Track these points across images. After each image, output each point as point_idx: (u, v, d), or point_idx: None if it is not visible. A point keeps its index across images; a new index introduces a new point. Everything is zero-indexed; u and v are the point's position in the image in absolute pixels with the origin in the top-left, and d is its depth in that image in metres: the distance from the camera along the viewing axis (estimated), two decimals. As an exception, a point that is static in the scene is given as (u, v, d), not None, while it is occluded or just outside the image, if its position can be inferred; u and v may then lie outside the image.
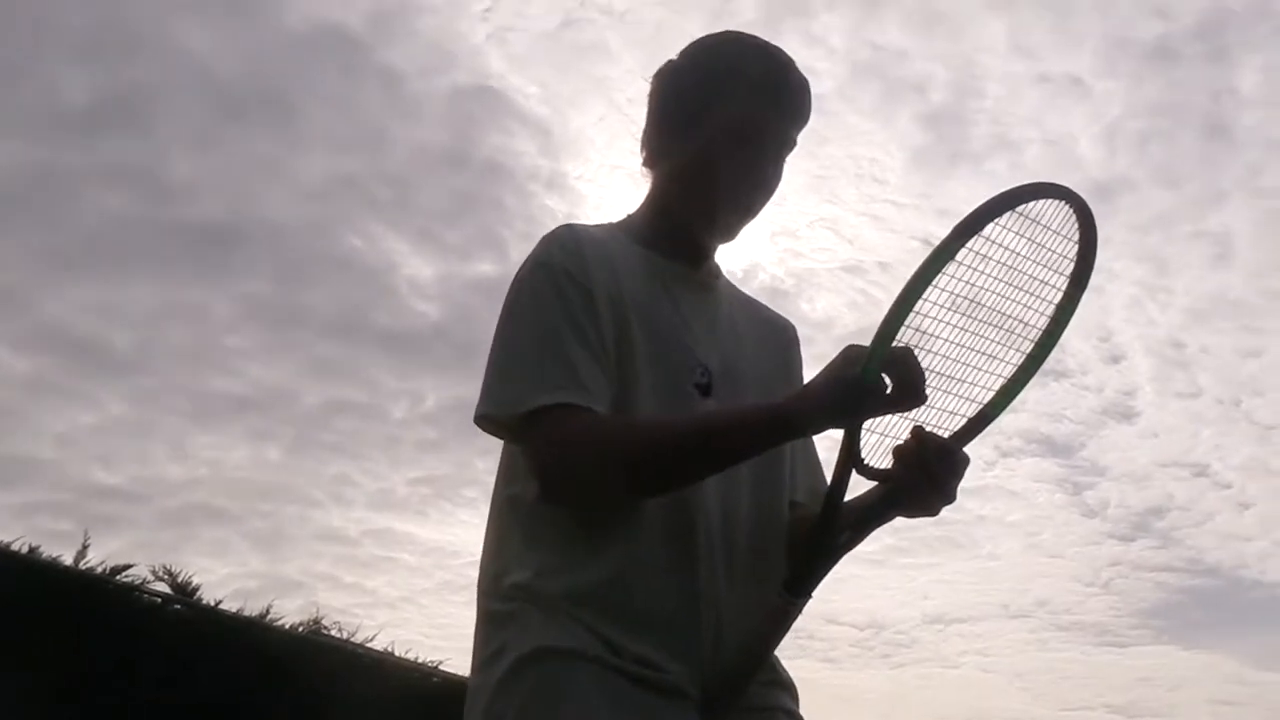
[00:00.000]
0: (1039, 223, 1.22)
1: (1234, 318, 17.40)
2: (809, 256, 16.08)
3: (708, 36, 1.44)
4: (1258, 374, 17.88)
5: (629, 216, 1.46)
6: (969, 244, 1.17)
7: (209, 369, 12.87)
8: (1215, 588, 17.18)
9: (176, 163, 11.92)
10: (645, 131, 1.45)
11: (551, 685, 1.18)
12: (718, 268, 1.48)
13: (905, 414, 1.22)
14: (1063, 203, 1.22)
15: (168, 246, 12.04)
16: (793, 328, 1.54)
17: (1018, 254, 1.22)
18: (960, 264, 1.18)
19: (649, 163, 1.45)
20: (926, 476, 1.19)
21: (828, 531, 1.22)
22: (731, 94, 1.37)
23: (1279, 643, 17.92)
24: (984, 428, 1.27)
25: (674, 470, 1.22)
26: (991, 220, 1.17)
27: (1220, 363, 17.40)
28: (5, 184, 10.77)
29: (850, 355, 1.17)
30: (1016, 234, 1.20)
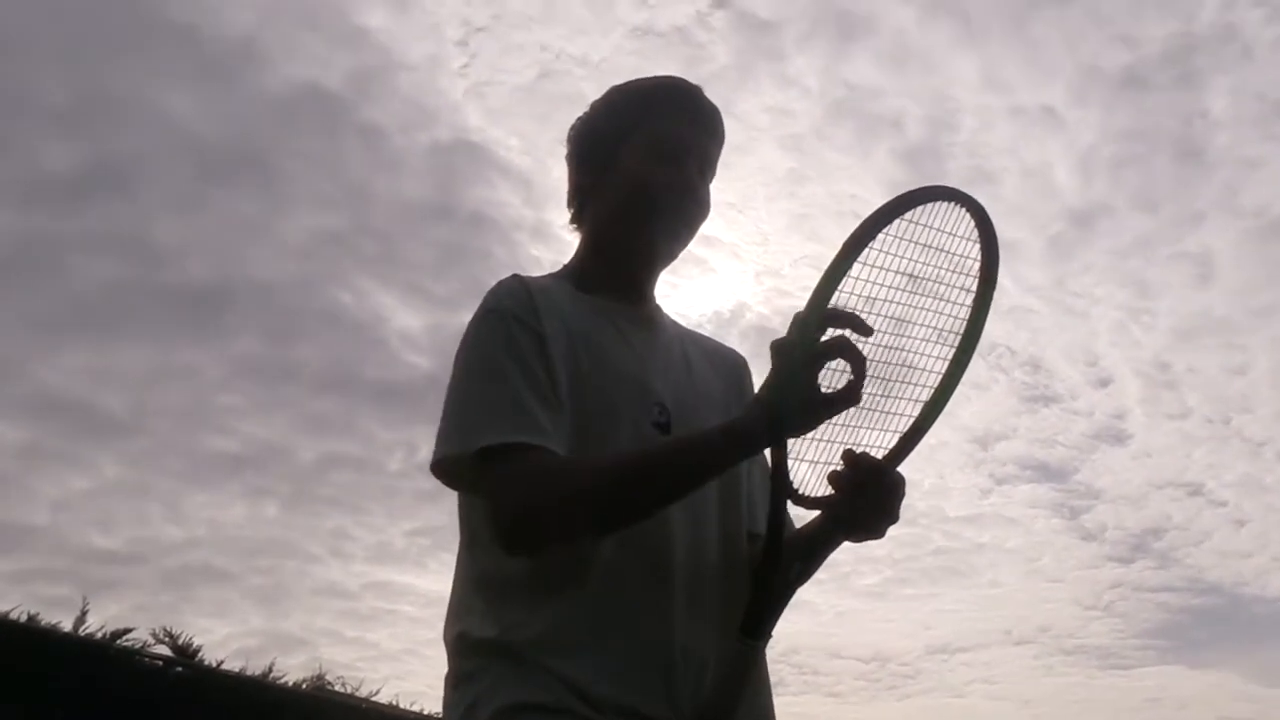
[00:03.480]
0: (932, 227, 1.19)
1: (1219, 335, 17.56)
2: (794, 295, 16.14)
3: (611, 88, 1.47)
4: (1246, 391, 17.99)
5: (564, 267, 1.45)
6: (861, 257, 1.14)
7: (203, 428, 12.91)
8: (1217, 605, 17.20)
9: (163, 227, 12.07)
10: (569, 188, 1.46)
11: None
12: (658, 304, 1.47)
13: (846, 422, 1.20)
14: (954, 204, 1.20)
15: (157, 309, 12.13)
16: (741, 358, 1.54)
17: (917, 261, 1.20)
18: (859, 279, 1.15)
19: (577, 217, 1.46)
20: (865, 500, 1.19)
21: (776, 569, 1.19)
22: (645, 119, 1.40)
23: (1284, 658, 17.85)
24: (918, 441, 1.25)
25: (638, 500, 1.20)
26: (881, 230, 1.15)
27: (1208, 381, 17.55)
28: (-6, 254, 10.81)
29: (781, 347, 1.15)
30: (911, 241, 1.18)
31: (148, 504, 12.08)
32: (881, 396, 1.24)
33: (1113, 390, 17.71)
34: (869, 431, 1.24)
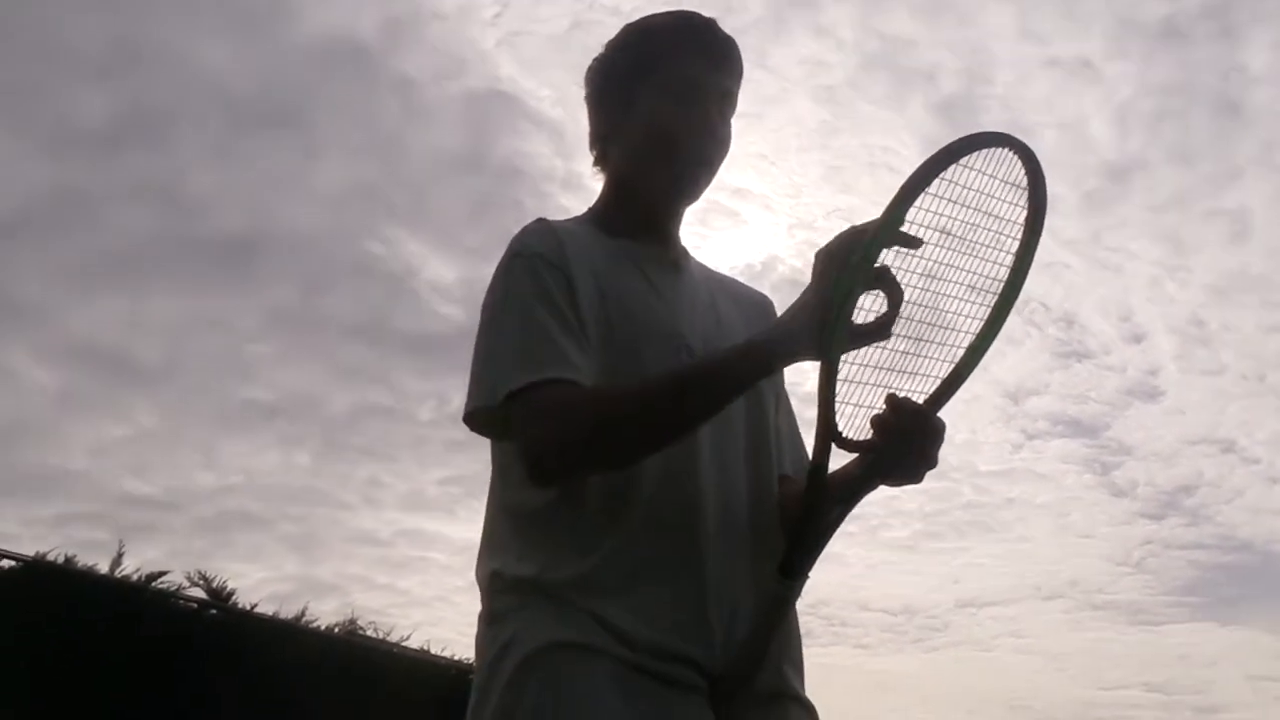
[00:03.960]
0: (984, 173, 1.18)
1: (1255, 293, 17.23)
2: (827, 248, 16.04)
3: (625, 26, 1.46)
4: (1282, 347, 17.69)
5: (589, 210, 1.45)
6: (917, 202, 1.13)
7: (236, 378, 12.99)
8: (1248, 563, 17.05)
9: (196, 177, 12.04)
10: (590, 131, 1.46)
11: (563, 680, 1.15)
12: (684, 247, 1.46)
13: (888, 365, 1.20)
14: (1006, 149, 1.18)
15: (191, 259, 12.18)
16: (768, 300, 1.52)
17: (967, 207, 1.19)
18: (910, 224, 1.14)
19: (600, 159, 1.46)
20: (906, 444, 1.19)
21: (816, 510, 1.20)
22: (661, 58, 1.39)
23: (1317, 615, 17.76)
24: (957, 388, 1.24)
25: (669, 421, 1.19)
26: (936, 175, 1.14)
27: (1243, 339, 17.24)
28: (30, 204, 10.90)
29: (833, 255, 1.14)
30: (963, 186, 1.17)
31: (182, 451, 12.21)
32: (924, 341, 1.23)
33: (1146, 346, 17.44)
34: (910, 376, 1.23)
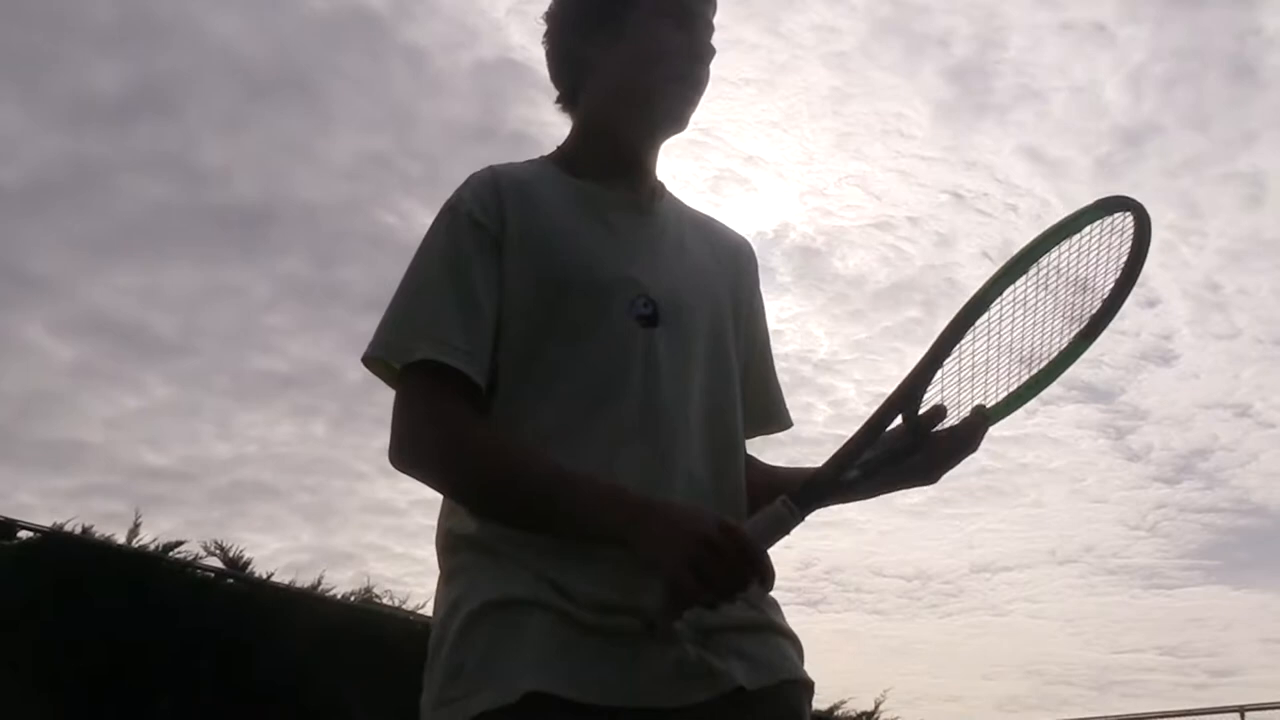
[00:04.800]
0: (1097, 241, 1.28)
1: (1270, 257, 17.09)
2: (838, 215, 15.97)
3: None
4: (1296, 312, 17.49)
5: (558, 149, 1.39)
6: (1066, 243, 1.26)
7: (251, 348, 13.03)
8: (1263, 527, 17.02)
9: (208, 147, 12.02)
10: (559, 64, 1.40)
11: (506, 634, 1.13)
12: (661, 186, 1.39)
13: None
14: (1128, 215, 1.26)
15: (204, 230, 12.15)
16: (747, 244, 1.47)
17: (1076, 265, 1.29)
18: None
19: (569, 95, 1.40)
20: (958, 454, 1.24)
21: (844, 462, 1.18)
22: None
23: (1330, 579, 17.68)
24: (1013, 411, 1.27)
25: (511, 509, 1.17)
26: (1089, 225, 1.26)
27: (1257, 303, 17.11)
28: (43, 174, 10.91)
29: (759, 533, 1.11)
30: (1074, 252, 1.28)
31: (197, 423, 12.27)
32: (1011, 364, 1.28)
33: (1160, 311, 17.35)
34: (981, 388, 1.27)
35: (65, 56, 10.78)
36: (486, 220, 1.23)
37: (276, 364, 13.30)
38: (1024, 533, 18.50)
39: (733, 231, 1.46)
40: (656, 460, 1.20)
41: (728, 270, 1.37)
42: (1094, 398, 17.54)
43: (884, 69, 15.99)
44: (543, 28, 1.40)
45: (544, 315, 1.21)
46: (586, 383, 1.19)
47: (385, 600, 8.14)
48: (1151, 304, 17.21)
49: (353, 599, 7.80)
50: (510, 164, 1.32)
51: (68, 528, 6.07)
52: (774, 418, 1.44)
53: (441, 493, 1.25)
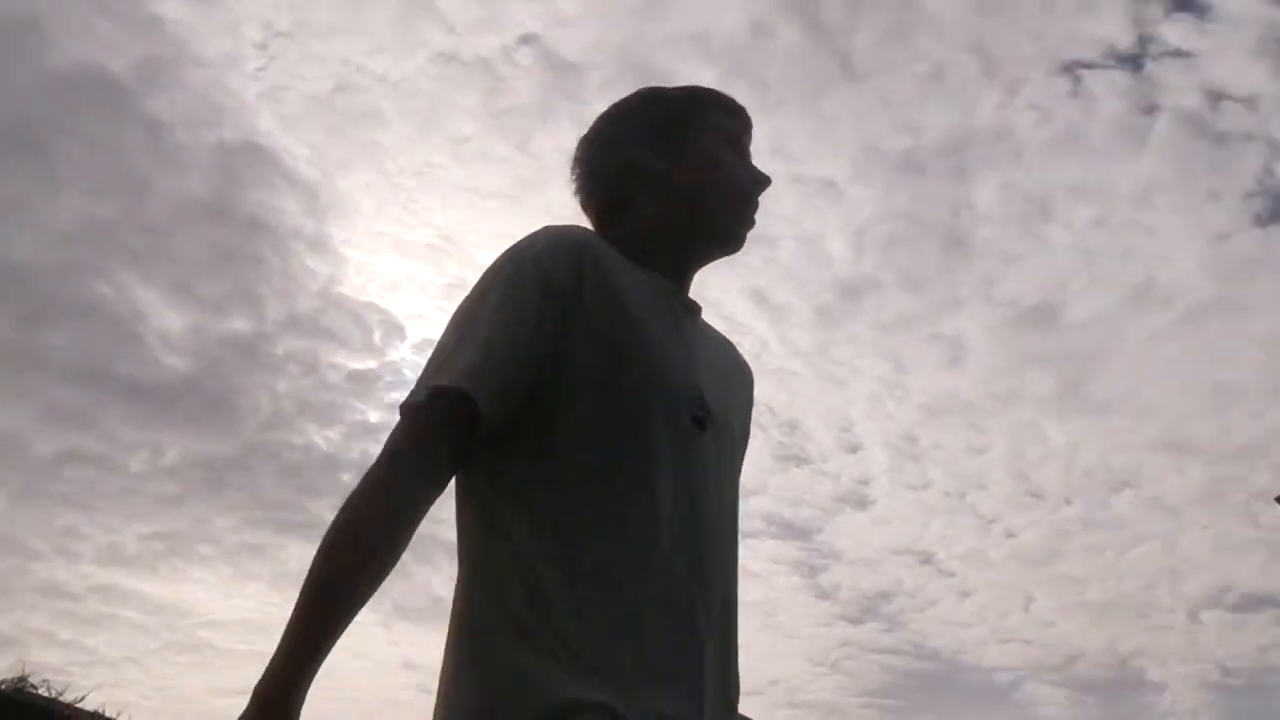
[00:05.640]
0: None
1: (963, 415, 18.99)
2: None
3: (646, 88, 1.43)
4: (983, 469, 19.52)
5: (612, 236, 1.34)
6: None
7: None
8: (936, 670, 18.38)
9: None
10: (611, 174, 1.37)
11: None
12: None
13: None
14: None
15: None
16: (751, 370, 1.49)
17: None
18: None
19: (620, 202, 1.37)
20: None
21: None
22: (712, 112, 1.40)
23: (991, 725, 19.27)
24: None
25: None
26: None
27: (949, 457, 18.90)
28: None
29: None
30: None
31: None
32: None
33: (861, 456, 18.78)
34: None
35: None
36: (558, 274, 1.18)
37: (-43, 428, 11.82)
38: (714, 666, 18.99)
39: (740, 353, 1.47)
40: (702, 547, 1.19)
41: (745, 388, 1.42)
42: (792, 534, 18.62)
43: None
44: (592, 137, 1.41)
45: (610, 393, 1.17)
46: (643, 471, 1.16)
47: (41, 690, 7.36)
48: (854, 450, 18.62)
49: (4, 687, 6.95)
50: (574, 226, 1.29)
51: None
52: None
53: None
